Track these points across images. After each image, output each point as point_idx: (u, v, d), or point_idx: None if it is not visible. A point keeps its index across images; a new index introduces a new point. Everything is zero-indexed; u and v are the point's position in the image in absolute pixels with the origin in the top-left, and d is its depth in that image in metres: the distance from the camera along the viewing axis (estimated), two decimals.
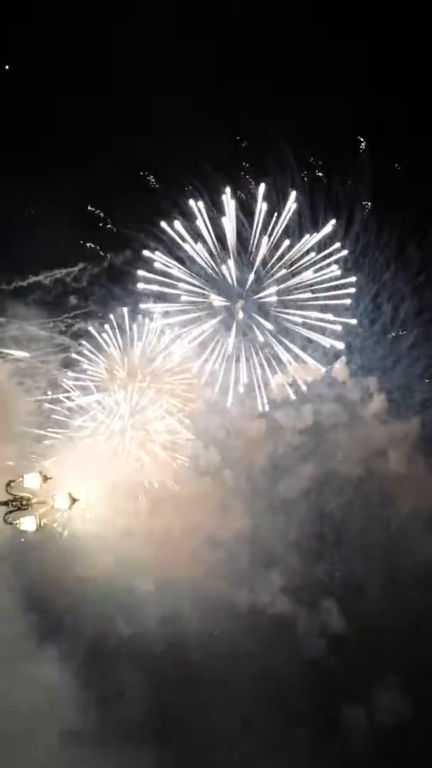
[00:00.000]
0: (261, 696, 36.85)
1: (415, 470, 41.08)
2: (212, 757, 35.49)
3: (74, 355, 35.98)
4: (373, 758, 36.60)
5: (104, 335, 36.16)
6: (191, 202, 36.76)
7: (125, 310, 36.16)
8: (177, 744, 35.54)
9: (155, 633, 36.33)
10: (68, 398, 35.47)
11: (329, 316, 38.24)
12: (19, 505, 22.42)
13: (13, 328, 35.08)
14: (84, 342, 36.02)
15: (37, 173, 35.19)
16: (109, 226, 38.88)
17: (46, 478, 22.83)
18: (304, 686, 37.05)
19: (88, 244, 38.11)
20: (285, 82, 38.69)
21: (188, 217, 37.08)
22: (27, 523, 22.19)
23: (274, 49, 39.25)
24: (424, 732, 36.24)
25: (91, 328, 36.11)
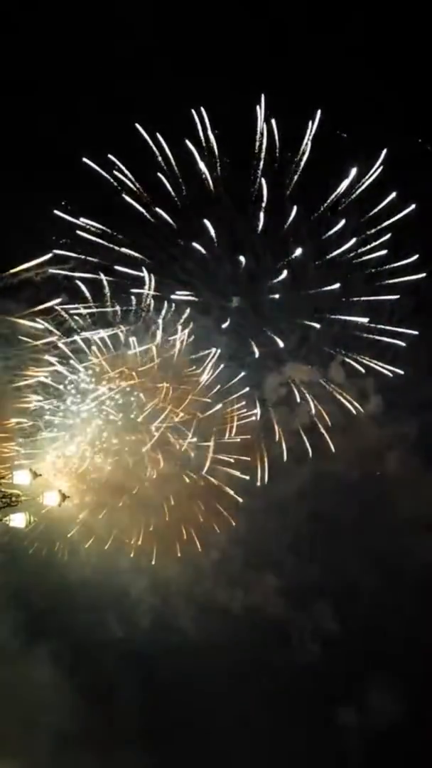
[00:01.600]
0: (256, 698, 36.64)
1: (412, 473, 41.00)
2: (207, 759, 35.24)
3: (64, 354, 35.59)
4: (367, 761, 36.49)
5: (97, 333, 35.74)
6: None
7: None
8: (171, 746, 35.10)
9: (149, 634, 36.08)
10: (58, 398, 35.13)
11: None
12: (8, 501, 22.59)
13: (4, 326, 34.78)
14: (75, 339, 35.59)
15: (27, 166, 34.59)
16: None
17: (36, 475, 22.95)
18: (299, 688, 36.87)
19: (62, 240, 33.62)
20: None
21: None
22: (16, 519, 22.34)
23: None
24: (418, 735, 36.17)
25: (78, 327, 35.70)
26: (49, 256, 34.51)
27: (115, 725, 34.68)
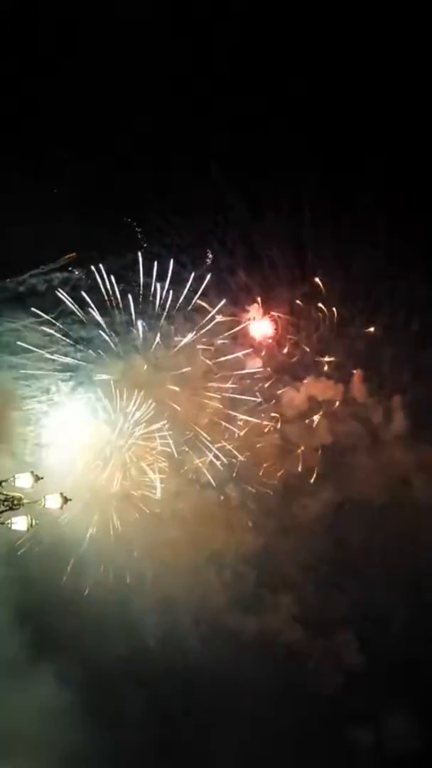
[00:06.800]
0: (264, 723, 36.15)
1: None
2: None
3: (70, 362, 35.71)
4: None
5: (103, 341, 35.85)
6: None
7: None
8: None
9: (156, 654, 35.65)
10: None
11: None
12: (10, 504, 22.37)
13: (8, 334, 34.95)
14: (81, 348, 35.72)
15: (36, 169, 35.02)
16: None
17: (38, 478, 22.80)
18: (313, 716, 36.44)
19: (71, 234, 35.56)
20: None
21: None
22: (18, 522, 22.07)
23: None
24: None
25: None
26: (55, 264, 35.27)
27: (120, 746, 34.01)
